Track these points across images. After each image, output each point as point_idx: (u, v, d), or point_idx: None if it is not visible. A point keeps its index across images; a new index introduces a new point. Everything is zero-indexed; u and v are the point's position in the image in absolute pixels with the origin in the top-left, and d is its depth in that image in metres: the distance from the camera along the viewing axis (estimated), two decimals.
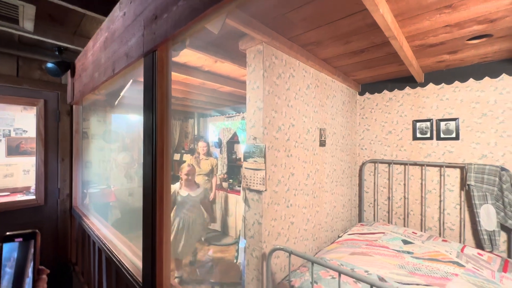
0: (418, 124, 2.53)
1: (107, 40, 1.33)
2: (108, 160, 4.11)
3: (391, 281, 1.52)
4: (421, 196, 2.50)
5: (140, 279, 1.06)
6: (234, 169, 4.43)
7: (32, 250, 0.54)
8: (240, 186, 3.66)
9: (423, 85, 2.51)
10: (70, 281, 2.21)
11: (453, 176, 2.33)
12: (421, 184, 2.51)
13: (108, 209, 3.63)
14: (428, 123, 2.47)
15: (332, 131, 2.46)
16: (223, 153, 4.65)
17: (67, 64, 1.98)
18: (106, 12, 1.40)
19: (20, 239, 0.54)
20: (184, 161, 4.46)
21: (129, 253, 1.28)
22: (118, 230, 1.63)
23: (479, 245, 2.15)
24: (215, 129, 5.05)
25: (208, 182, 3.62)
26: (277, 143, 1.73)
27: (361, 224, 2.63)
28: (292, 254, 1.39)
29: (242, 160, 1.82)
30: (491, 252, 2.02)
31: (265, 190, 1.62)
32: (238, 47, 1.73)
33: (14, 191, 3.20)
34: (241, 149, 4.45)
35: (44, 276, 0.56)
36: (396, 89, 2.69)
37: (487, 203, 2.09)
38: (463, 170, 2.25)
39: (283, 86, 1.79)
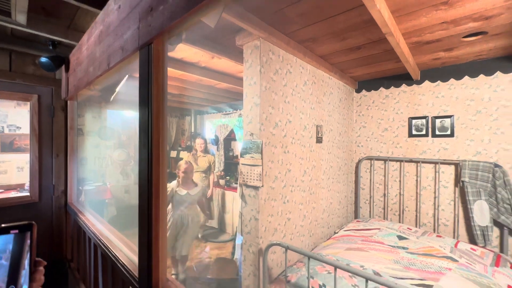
0: (414, 121, 2.55)
1: (102, 34, 1.31)
2: (104, 157, 4.08)
3: (386, 275, 1.54)
4: (416, 193, 2.53)
5: (136, 274, 1.06)
6: (231, 166, 4.42)
7: (28, 242, 0.53)
8: (237, 183, 3.66)
9: (419, 82, 2.52)
10: (65, 277, 2.20)
11: (448, 173, 2.35)
12: (416, 180, 2.54)
13: (104, 206, 3.61)
14: (424, 120, 2.49)
15: (329, 128, 2.47)
16: (220, 150, 4.64)
17: (61, 59, 1.95)
18: (101, 5, 1.38)
19: (16, 231, 0.53)
20: (181, 158, 4.45)
21: (125, 248, 1.27)
22: (114, 227, 1.62)
23: (472, 240, 2.19)
24: (212, 126, 5.04)
25: (205, 179, 3.61)
26: (274, 139, 1.73)
27: (357, 221, 2.65)
28: (289, 249, 1.39)
29: (239, 157, 1.82)
30: (484, 247, 2.05)
31: (262, 186, 1.62)
32: (235, 43, 1.72)
33: (8, 188, 3.16)
34: (238, 146, 4.45)
35: (41, 268, 0.55)
36: (392, 87, 2.70)
37: (481, 199, 2.12)
38: (458, 166, 2.27)
39: (280, 82, 1.78)
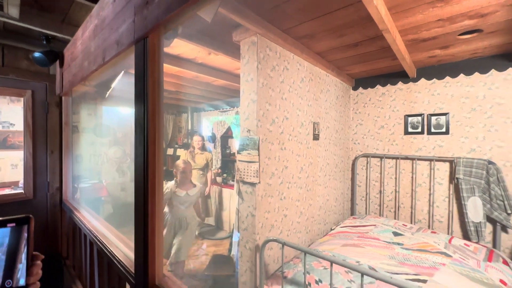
0: (409, 118, 2.57)
1: (96, 28, 1.30)
2: (99, 155, 4.04)
3: (381, 271, 1.56)
4: (412, 190, 2.56)
5: (132, 270, 1.05)
6: (228, 163, 4.42)
7: (25, 236, 0.52)
8: (234, 181, 3.66)
9: (415, 80, 2.54)
10: (61, 275, 2.19)
11: (443, 170, 2.38)
12: (412, 177, 2.56)
13: (100, 204, 3.58)
14: (420, 118, 2.51)
15: (326, 125, 2.48)
16: (217, 147, 4.63)
17: (55, 54, 1.93)
18: None
19: (13, 224, 0.52)
20: (178, 156, 4.43)
21: (121, 245, 1.27)
22: (111, 225, 1.60)
23: (466, 236, 2.22)
24: (209, 124, 5.02)
25: (203, 177, 3.61)
26: (271, 136, 1.73)
27: (353, 217, 2.67)
28: (285, 245, 1.40)
29: (236, 154, 1.81)
30: (477, 242, 2.08)
31: (259, 183, 1.62)
32: (232, 39, 1.71)
33: (2, 186, 3.11)
34: (235, 144, 4.44)
35: (39, 262, 0.54)
36: (389, 84, 2.72)
37: (475, 195, 2.15)
38: (452, 163, 2.30)
39: (277, 78, 1.78)
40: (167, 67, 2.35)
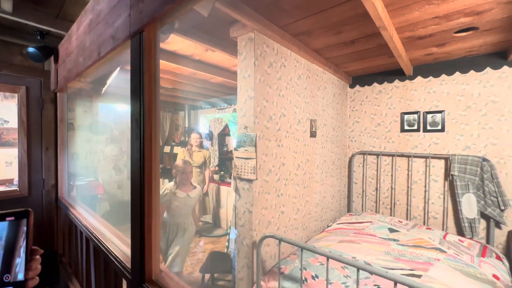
0: (406, 116, 2.59)
1: (92, 22, 1.28)
2: (96, 152, 4.01)
3: (377, 266, 1.57)
4: (407, 187, 2.58)
5: (129, 266, 1.05)
6: (225, 161, 4.42)
7: (23, 230, 0.51)
8: (231, 178, 3.66)
9: (411, 78, 2.55)
10: (57, 272, 2.17)
11: (438, 167, 2.40)
12: (408, 175, 2.58)
13: (97, 202, 3.56)
14: (416, 116, 2.53)
15: (323, 123, 2.48)
16: (214, 145, 4.62)
17: (50, 49, 1.90)
18: None
19: (12, 218, 0.51)
20: (175, 154, 4.41)
21: (117, 241, 1.26)
22: (108, 223, 1.59)
23: (460, 232, 2.25)
24: (206, 121, 5.00)
25: (200, 174, 3.60)
26: (268, 133, 1.73)
27: (349, 214, 2.69)
28: (282, 241, 1.40)
29: (233, 151, 1.79)
30: (471, 238, 2.11)
31: (256, 179, 1.62)
32: (229, 35, 1.70)
33: None
34: (232, 142, 4.44)
35: (38, 257, 0.53)
36: (385, 82, 2.73)
37: (469, 192, 2.17)
38: (448, 161, 2.32)
39: (275, 75, 1.78)
40: (164, 64, 2.34)
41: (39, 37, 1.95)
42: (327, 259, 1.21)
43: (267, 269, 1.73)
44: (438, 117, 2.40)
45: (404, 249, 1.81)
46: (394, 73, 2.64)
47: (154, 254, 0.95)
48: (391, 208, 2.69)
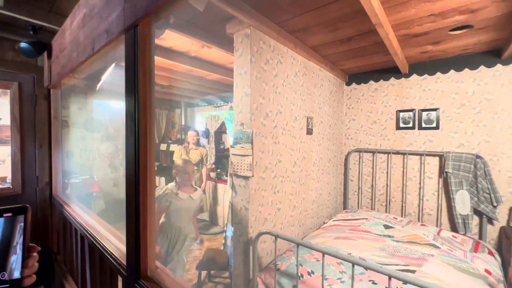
0: (401, 114, 2.61)
1: (85, 17, 1.26)
2: (91, 150, 3.97)
3: (372, 262, 1.59)
4: (403, 184, 2.61)
5: (124, 262, 1.04)
6: (222, 159, 4.41)
7: (19, 226, 0.50)
8: (228, 176, 3.66)
9: (407, 76, 2.57)
10: (52, 270, 2.15)
11: (433, 164, 2.43)
12: (403, 172, 2.61)
13: (92, 200, 3.53)
14: (411, 113, 2.55)
15: (319, 120, 2.49)
16: (211, 143, 4.61)
17: (43, 45, 1.87)
18: None
19: (10, 214, 0.50)
20: (172, 152, 4.39)
21: (112, 238, 1.26)
22: (102, 220, 1.58)
23: (454, 228, 2.28)
24: (202, 119, 4.98)
25: (197, 172, 3.59)
26: (265, 130, 1.73)
27: (345, 211, 2.71)
28: (278, 237, 1.41)
29: (230, 148, 1.75)
30: (464, 234, 2.15)
31: (252, 176, 1.62)
32: (225, 31, 1.69)
33: None
34: (229, 139, 4.43)
35: (35, 254, 0.52)
36: (381, 80, 2.74)
37: (463, 189, 2.20)
38: (442, 158, 2.35)
39: (271, 72, 1.77)
40: (160, 60, 2.32)
41: (31, 32, 1.91)
42: (323, 255, 1.22)
43: (263, 266, 1.74)
44: (433, 114, 2.42)
45: (399, 245, 1.83)
46: (390, 71, 2.66)
47: (150, 250, 0.94)
48: (386, 205, 2.71)
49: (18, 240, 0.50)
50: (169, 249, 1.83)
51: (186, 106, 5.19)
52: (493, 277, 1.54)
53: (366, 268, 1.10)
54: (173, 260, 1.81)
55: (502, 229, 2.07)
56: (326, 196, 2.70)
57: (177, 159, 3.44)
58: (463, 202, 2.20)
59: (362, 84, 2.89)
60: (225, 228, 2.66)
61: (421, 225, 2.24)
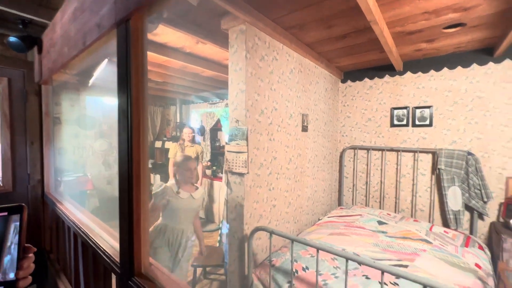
0: (395, 111, 2.63)
1: (76, 11, 1.23)
2: (84, 147, 3.92)
3: (365, 257, 1.61)
4: (396, 180, 2.64)
5: (118, 260, 1.04)
6: (217, 156, 4.40)
7: (14, 226, 0.48)
8: (223, 173, 3.65)
9: (401, 73, 2.59)
10: (45, 269, 2.13)
11: (426, 161, 2.46)
12: (397, 169, 2.64)
13: (86, 198, 3.49)
14: (405, 111, 2.57)
15: (315, 117, 2.49)
16: (206, 140, 4.58)
17: (33, 39, 1.82)
18: None
19: (5, 213, 0.48)
20: (167, 149, 4.36)
21: (105, 235, 1.24)
22: (95, 217, 1.56)
23: (445, 224, 2.32)
24: (198, 116, 4.95)
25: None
26: (260, 127, 1.73)
27: (340, 208, 2.74)
28: (273, 233, 1.42)
29: (225, 145, 1.73)
30: (455, 230, 2.19)
31: (247, 173, 1.62)
32: (220, 27, 1.67)
33: None
34: (224, 137, 4.41)
35: (31, 255, 0.51)
36: (376, 77, 2.76)
37: (455, 185, 2.24)
38: (435, 155, 2.38)
39: (266, 69, 1.77)
40: (154, 56, 2.28)
41: (21, 26, 1.86)
42: (317, 251, 1.23)
43: (258, 262, 1.75)
44: (426, 112, 2.45)
45: (392, 241, 1.86)
46: (385, 69, 2.67)
47: (143, 247, 0.94)
48: (380, 202, 2.75)
49: (12, 240, 0.48)
50: (172, 254, 1.69)
51: (181, 103, 5.14)
52: (483, 271, 1.58)
53: (360, 263, 1.11)
54: (178, 267, 1.70)
55: (492, 224, 2.12)
56: (321, 193, 2.72)
57: (174, 156, 3.42)
58: (455, 198, 2.24)
59: (357, 81, 2.90)
60: (220, 225, 2.66)
61: (414, 221, 2.28)
